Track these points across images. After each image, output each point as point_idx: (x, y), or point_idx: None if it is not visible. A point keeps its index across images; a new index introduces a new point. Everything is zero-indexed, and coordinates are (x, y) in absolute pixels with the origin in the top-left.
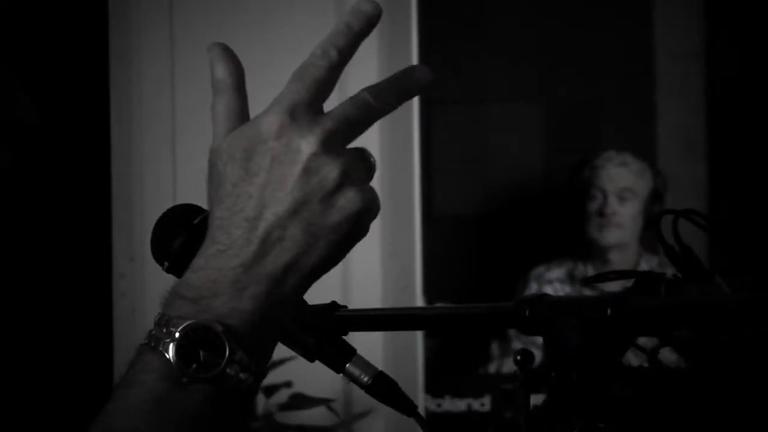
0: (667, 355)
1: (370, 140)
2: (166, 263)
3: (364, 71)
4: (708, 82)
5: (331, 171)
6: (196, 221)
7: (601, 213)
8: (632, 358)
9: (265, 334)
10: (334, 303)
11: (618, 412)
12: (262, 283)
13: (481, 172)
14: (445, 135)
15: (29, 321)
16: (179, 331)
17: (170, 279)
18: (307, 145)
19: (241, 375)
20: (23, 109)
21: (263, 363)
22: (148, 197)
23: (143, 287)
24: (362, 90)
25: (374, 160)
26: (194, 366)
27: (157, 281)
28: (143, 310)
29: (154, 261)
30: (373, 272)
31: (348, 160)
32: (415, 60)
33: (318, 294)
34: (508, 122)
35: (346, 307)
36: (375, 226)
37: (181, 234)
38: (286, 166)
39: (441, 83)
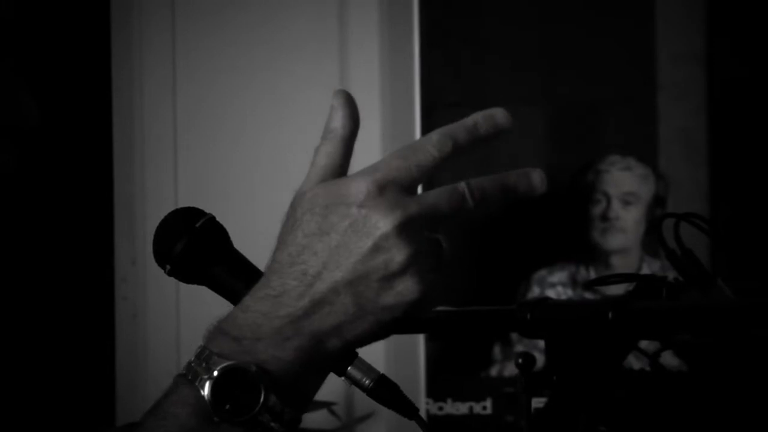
0: (668, 358)
1: (371, 144)
2: (168, 267)
3: (365, 74)
4: (710, 85)
5: (398, 255)
6: (198, 224)
7: (604, 217)
8: (634, 362)
9: (302, 386)
10: None
11: (620, 416)
12: (306, 338)
13: (483, 175)
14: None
15: (30, 324)
16: (218, 370)
17: (172, 283)
18: (384, 224)
19: (273, 424)
20: (25, 111)
21: (296, 414)
22: (150, 200)
23: (145, 291)
24: (463, 182)
25: (448, 250)
26: (228, 407)
27: (159, 285)
28: (145, 314)
29: (156, 264)
30: None
31: (419, 249)
32: (416, 63)
33: None
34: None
35: None
36: None
37: (184, 237)
38: (358, 237)
39: (442, 86)
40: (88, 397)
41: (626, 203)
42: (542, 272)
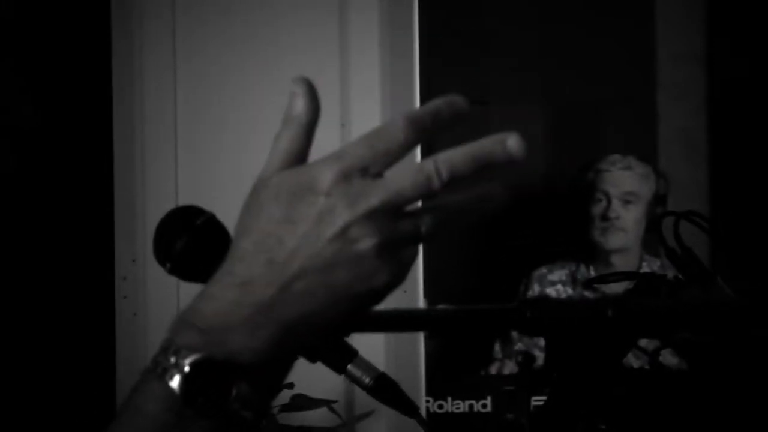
0: (668, 357)
1: None
2: (169, 265)
3: (365, 74)
4: (709, 85)
5: (364, 243)
6: (198, 223)
7: (604, 216)
8: (633, 360)
9: (272, 374)
10: None
11: (619, 414)
12: (276, 328)
13: (484, 174)
14: (447, 137)
15: (30, 323)
16: (188, 365)
17: (172, 281)
18: (349, 213)
19: (244, 413)
20: (25, 112)
21: (268, 401)
22: (150, 199)
23: (145, 289)
24: (431, 160)
25: (427, 226)
26: (200, 400)
27: (160, 283)
28: (145, 313)
29: (156, 263)
30: None
31: (386, 236)
32: (416, 64)
33: None
34: (510, 124)
35: None
36: None
37: (184, 236)
38: (326, 226)
39: (442, 86)
40: (89, 396)
41: (626, 202)
42: (542, 270)
